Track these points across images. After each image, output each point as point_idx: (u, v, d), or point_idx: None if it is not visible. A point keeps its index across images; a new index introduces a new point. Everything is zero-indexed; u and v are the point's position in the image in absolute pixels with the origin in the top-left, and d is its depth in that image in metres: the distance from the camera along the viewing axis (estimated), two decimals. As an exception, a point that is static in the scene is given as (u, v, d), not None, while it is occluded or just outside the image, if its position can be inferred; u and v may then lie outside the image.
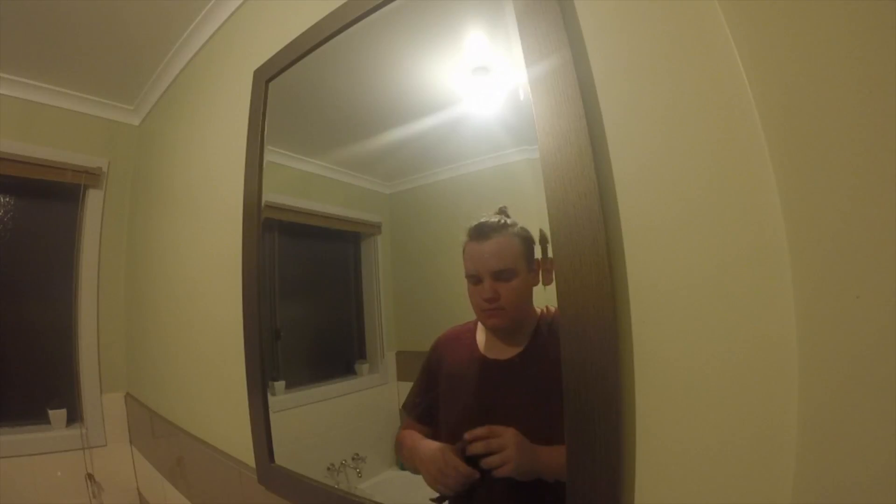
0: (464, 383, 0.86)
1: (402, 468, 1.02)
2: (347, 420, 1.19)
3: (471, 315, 0.85)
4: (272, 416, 1.23)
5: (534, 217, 0.73)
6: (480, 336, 0.84)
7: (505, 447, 0.72)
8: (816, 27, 0.45)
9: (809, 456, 0.46)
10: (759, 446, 0.50)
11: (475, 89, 0.91)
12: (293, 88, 1.31)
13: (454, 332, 0.88)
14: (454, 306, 0.94)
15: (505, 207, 0.81)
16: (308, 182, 1.32)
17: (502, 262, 0.77)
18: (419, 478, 0.97)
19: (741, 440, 0.51)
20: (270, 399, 1.25)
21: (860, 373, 0.42)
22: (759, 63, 0.52)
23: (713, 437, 0.53)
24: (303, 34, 1.22)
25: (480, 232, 0.80)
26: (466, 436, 0.76)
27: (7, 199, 2.24)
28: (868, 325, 0.41)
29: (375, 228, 1.13)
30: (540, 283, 0.74)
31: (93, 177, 2.38)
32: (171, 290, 1.95)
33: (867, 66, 0.42)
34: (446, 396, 0.88)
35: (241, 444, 1.34)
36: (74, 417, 2.24)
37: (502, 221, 0.79)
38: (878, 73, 0.41)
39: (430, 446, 0.85)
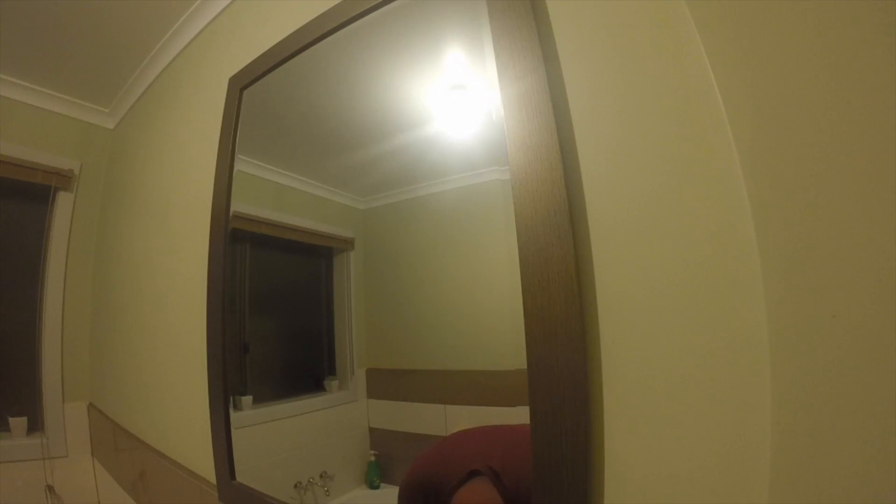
0: None
1: (372, 487, 1.00)
2: (316, 437, 1.17)
3: (437, 333, 0.88)
4: (239, 432, 1.21)
5: (503, 235, 0.72)
6: None
7: None
8: (790, 48, 0.45)
9: (783, 474, 0.45)
10: (732, 466, 0.49)
11: (452, 106, 0.90)
12: (270, 99, 1.31)
13: None
14: (425, 324, 0.94)
15: None
16: (282, 194, 1.31)
17: None
18: (388, 498, 0.95)
19: (713, 461, 0.50)
20: (238, 414, 1.22)
21: (836, 388, 0.41)
22: (732, 82, 0.52)
23: (685, 457, 0.52)
24: (279, 43, 1.22)
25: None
26: None
27: (-27, 198, 2.18)
28: (844, 341, 0.41)
29: (348, 244, 1.12)
30: None
31: (64, 179, 2.33)
32: (137, 299, 1.91)
33: (839, 71, 0.42)
34: None
35: (203, 461, 1.31)
36: (35, 426, 2.17)
37: None
38: (852, 73, 0.41)
39: None
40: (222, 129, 1.37)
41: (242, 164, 1.32)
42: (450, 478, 0.78)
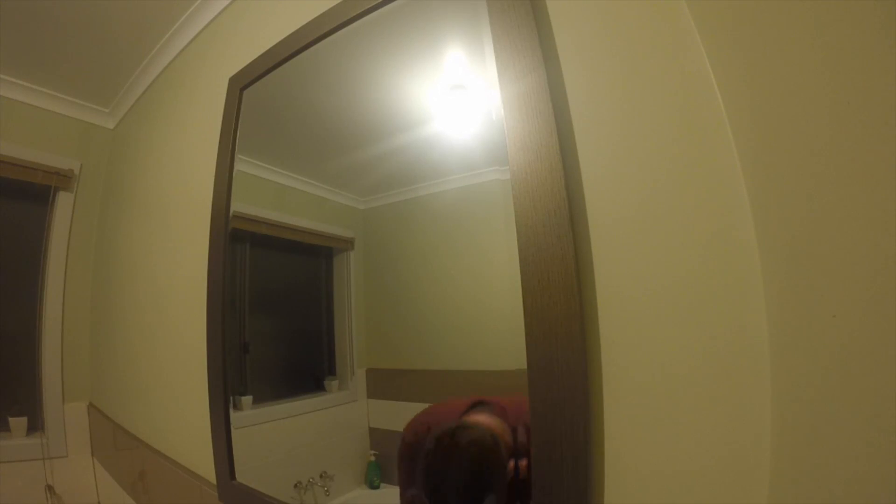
0: None
1: (372, 486, 1.00)
2: (316, 437, 1.17)
3: (437, 333, 0.88)
4: (239, 432, 1.21)
5: (503, 236, 0.72)
6: None
7: None
8: (790, 47, 0.45)
9: (783, 474, 0.45)
10: (732, 466, 0.49)
11: (452, 106, 0.90)
12: (270, 99, 1.31)
13: None
14: (426, 324, 0.93)
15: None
16: (282, 194, 1.31)
17: None
18: (388, 498, 0.95)
19: (713, 461, 0.50)
20: (238, 414, 1.22)
21: (836, 388, 0.41)
22: (732, 82, 0.52)
23: (685, 457, 0.52)
24: (279, 43, 1.23)
25: None
26: None
27: (-27, 198, 2.18)
28: (844, 341, 0.41)
29: (348, 244, 1.12)
30: None
31: (64, 179, 2.33)
32: (137, 299, 1.91)
33: (839, 70, 0.42)
34: None
35: (202, 460, 1.31)
36: (35, 426, 2.16)
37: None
38: (852, 73, 0.41)
39: None
40: (222, 129, 1.37)
41: (242, 164, 1.31)
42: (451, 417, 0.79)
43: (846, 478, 0.40)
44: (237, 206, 1.30)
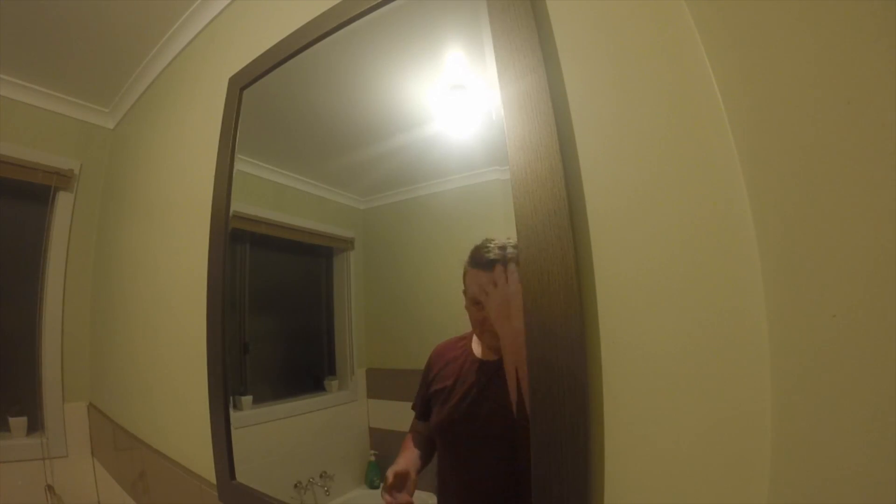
0: (454, 380, 0.85)
1: (372, 486, 1.00)
2: (316, 437, 1.17)
3: (437, 333, 0.87)
4: (239, 432, 1.21)
5: (503, 236, 0.72)
6: (475, 343, 0.84)
7: None
8: (791, 47, 0.45)
9: (783, 473, 0.45)
10: (732, 466, 0.49)
11: (452, 106, 0.90)
12: (270, 99, 1.31)
13: (450, 341, 0.88)
14: (425, 323, 0.94)
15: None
16: (282, 194, 1.31)
17: None
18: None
19: (713, 460, 0.50)
20: (238, 414, 1.22)
21: (836, 388, 0.41)
22: (732, 82, 0.52)
23: (685, 457, 0.52)
24: (279, 43, 1.23)
25: (482, 261, 0.79)
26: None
27: (-28, 198, 2.17)
28: (844, 341, 0.41)
29: (348, 244, 1.12)
30: None
31: (64, 179, 2.32)
32: (138, 299, 1.91)
33: (840, 69, 0.42)
34: (439, 393, 0.88)
35: (202, 461, 1.31)
36: (36, 426, 2.16)
37: (504, 251, 0.78)
38: (852, 72, 0.41)
39: (401, 463, 0.87)
40: (222, 129, 1.37)
41: (242, 164, 1.31)
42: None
43: (846, 478, 0.40)
44: (237, 206, 1.30)
